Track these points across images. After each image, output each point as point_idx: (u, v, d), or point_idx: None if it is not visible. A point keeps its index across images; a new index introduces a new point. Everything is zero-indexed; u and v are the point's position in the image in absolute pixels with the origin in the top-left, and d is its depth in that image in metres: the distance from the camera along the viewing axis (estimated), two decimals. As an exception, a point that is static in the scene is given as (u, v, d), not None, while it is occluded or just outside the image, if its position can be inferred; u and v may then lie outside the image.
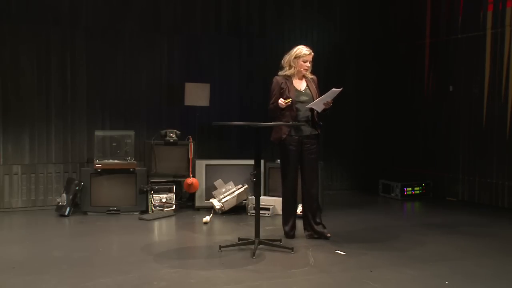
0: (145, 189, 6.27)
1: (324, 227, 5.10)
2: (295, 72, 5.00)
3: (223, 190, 6.31)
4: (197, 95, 6.88)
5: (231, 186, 6.36)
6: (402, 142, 8.24)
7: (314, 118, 4.98)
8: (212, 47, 7.34)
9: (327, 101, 4.85)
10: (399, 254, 4.57)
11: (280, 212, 6.03)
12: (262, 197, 5.54)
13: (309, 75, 5.08)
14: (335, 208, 6.57)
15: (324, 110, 4.92)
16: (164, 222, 5.93)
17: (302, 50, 4.98)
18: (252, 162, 4.74)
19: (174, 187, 6.40)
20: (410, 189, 7.46)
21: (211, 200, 6.27)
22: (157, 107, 7.07)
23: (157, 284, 3.76)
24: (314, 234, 5.06)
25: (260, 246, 4.58)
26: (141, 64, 6.98)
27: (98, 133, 6.52)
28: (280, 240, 4.81)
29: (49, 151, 6.59)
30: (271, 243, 4.67)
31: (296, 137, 4.95)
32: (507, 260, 4.43)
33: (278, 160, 6.52)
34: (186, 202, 6.79)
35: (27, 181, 6.49)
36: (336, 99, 4.91)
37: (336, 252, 4.61)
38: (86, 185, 6.18)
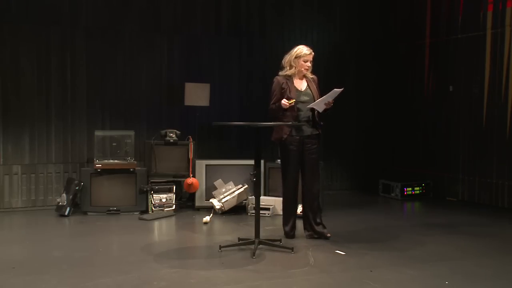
0: (145, 189, 6.27)
1: (324, 227, 5.10)
2: (296, 72, 5.00)
3: (223, 190, 6.32)
4: (197, 95, 6.88)
5: (231, 186, 6.36)
6: (402, 142, 8.24)
7: (315, 118, 4.98)
8: (212, 47, 7.34)
9: (328, 101, 4.85)
10: (399, 254, 4.57)
11: (280, 212, 6.03)
12: (262, 197, 5.54)
13: (310, 75, 5.08)
14: (335, 208, 6.57)
15: (325, 110, 4.92)
16: (164, 222, 5.93)
17: (303, 50, 4.98)
18: (252, 162, 4.74)
19: (174, 187, 6.40)
20: (410, 189, 7.46)
21: (211, 200, 6.27)
22: (157, 107, 7.07)
23: (157, 284, 3.76)
24: (314, 234, 5.06)
25: (260, 246, 4.58)
26: (141, 64, 6.99)
27: (98, 133, 6.52)
28: (280, 240, 4.82)
29: (49, 151, 6.59)
30: (271, 243, 4.67)
31: (297, 137, 4.95)
32: (507, 260, 4.44)
33: (278, 160, 6.55)
34: (186, 202, 6.79)
35: (27, 181, 6.49)
36: (336, 99, 4.91)
37: (336, 252, 4.61)
38: (86, 185, 6.18)
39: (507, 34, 6.67)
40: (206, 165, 6.52)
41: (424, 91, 7.87)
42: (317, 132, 5.03)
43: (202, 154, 7.00)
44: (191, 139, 6.58)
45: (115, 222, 5.85)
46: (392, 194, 7.47)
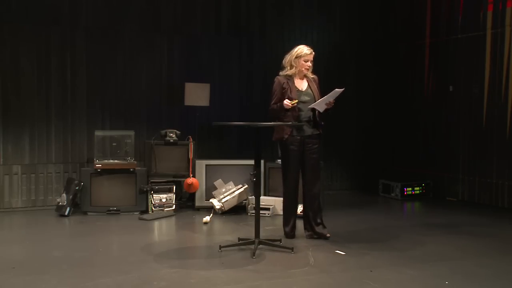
0: (145, 189, 6.27)
1: (324, 227, 5.10)
2: (297, 72, 5.00)
3: (223, 190, 6.32)
4: (197, 95, 6.88)
5: (231, 186, 6.36)
6: (402, 142, 8.24)
7: (316, 118, 4.98)
8: (212, 47, 7.34)
9: (329, 101, 4.85)
10: (399, 254, 4.57)
11: (280, 212, 6.03)
12: (262, 197, 5.54)
13: (311, 75, 5.08)
14: (335, 208, 6.57)
15: (326, 110, 4.92)
16: (164, 222, 5.93)
17: (303, 49, 4.98)
18: (252, 162, 4.74)
19: (174, 187, 6.40)
20: (410, 189, 7.46)
21: (211, 200, 6.27)
22: (157, 107, 7.07)
23: (157, 284, 3.76)
24: (314, 234, 5.06)
25: (260, 246, 4.58)
26: (141, 64, 6.98)
27: (98, 133, 6.52)
28: (280, 240, 4.81)
29: (49, 151, 6.59)
30: (271, 243, 4.67)
31: (298, 137, 4.95)
32: (507, 260, 4.43)
33: (278, 160, 6.55)
34: (186, 202, 6.79)
35: (27, 181, 6.49)
36: (336, 99, 4.91)
37: (336, 252, 4.61)
38: (86, 185, 6.18)
39: (507, 34, 6.67)
40: (206, 165, 6.52)
41: (424, 91, 7.87)
42: (318, 132, 5.03)
43: (202, 154, 7.00)
44: (191, 139, 6.58)
45: (115, 222, 5.85)
46: (392, 194, 7.47)
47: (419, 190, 7.53)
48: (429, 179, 7.65)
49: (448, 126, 7.48)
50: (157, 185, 6.32)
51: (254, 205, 4.80)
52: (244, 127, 6.60)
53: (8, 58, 6.37)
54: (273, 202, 6.26)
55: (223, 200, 6.20)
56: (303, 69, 4.98)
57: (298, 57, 4.97)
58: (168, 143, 6.54)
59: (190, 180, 6.36)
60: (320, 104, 4.86)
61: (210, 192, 6.39)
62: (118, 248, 4.92)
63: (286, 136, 4.93)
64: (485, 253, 4.67)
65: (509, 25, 6.65)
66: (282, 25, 7.74)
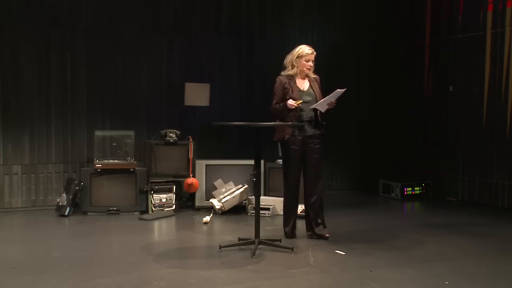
0: (145, 189, 6.27)
1: (325, 227, 5.10)
2: (298, 72, 5.00)
3: (223, 190, 6.32)
4: (197, 95, 6.88)
5: (231, 186, 6.36)
6: (402, 142, 8.24)
7: (318, 118, 4.98)
8: (212, 47, 7.34)
9: (331, 102, 4.85)
10: (399, 254, 4.57)
11: (280, 212, 6.03)
12: (262, 197, 5.53)
13: (312, 75, 5.08)
14: (335, 208, 6.57)
15: (327, 110, 4.92)
16: (164, 222, 5.93)
17: (304, 49, 4.98)
18: (252, 162, 4.74)
19: (174, 187, 6.40)
20: (410, 189, 7.46)
21: (211, 200, 6.27)
22: (157, 107, 7.07)
23: (157, 284, 3.76)
24: (314, 235, 5.06)
25: (260, 246, 4.58)
26: (141, 64, 6.98)
27: (98, 133, 6.52)
28: (280, 240, 4.81)
29: (49, 151, 6.59)
30: (271, 243, 4.67)
31: (300, 137, 4.95)
32: (507, 260, 4.44)
33: (279, 160, 6.55)
34: (186, 202, 6.79)
35: (27, 181, 6.49)
36: (337, 99, 4.91)
37: (336, 252, 4.61)
38: (86, 185, 6.18)
39: (507, 34, 6.67)
40: (206, 165, 6.52)
41: (424, 91, 7.87)
42: (320, 132, 5.03)
43: (202, 154, 7.00)
44: (191, 139, 6.58)
45: (115, 222, 5.85)
46: (392, 194, 7.47)
47: (419, 190, 7.53)
48: (429, 179, 7.65)
49: (448, 126, 7.48)
50: (157, 185, 6.32)
51: (254, 205, 4.80)
52: (244, 127, 6.61)
53: (8, 58, 6.37)
54: (273, 202, 6.26)
55: (223, 200, 6.20)
56: (305, 69, 4.98)
57: (299, 57, 4.97)
58: (168, 143, 6.54)
59: (190, 180, 6.36)
60: (322, 104, 4.87)
61: (210, 192, 6.39)
62: (118, 248, 4.92)
63: (287, 136, 4.93)
64: (485, 253, 4.67)
65: (509, 25, 6.65)
66: (282, 25, 7.74)
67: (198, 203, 6.49)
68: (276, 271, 4.08)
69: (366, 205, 6.98)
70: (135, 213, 6.19)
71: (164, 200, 6.29)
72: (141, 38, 6.97)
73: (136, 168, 6.33)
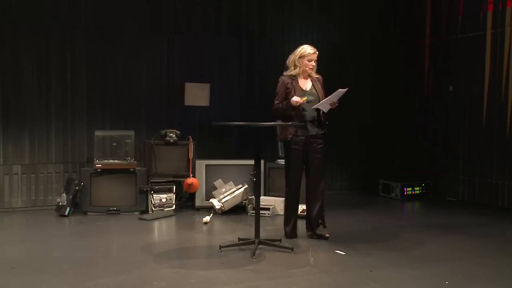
0: (145, 189, 6.27)
1: (325, 227, 5.10)
2: (301, 72, 5.00)
3: (223, 190, 6.32)
4: (197, 95, 6.88)
5: (231, 186, 6.36)
6: (402, 142, 8.24)
7: (321, 118, 4.98)
8: (212, 47, 7.34)
9: (333, 101, 4.85)
10: (399, 254, 4.57)
11: (280, 212, 6.04)
12: (262, 197, 5.54)
13: (315, 75, 5.07)
14: (335, 208, 6.56)
15: (330, 110, 4.92)
16: (164, 222, 5.93)
17: (307, 49, 4.98)
18: (252, 162, 4.74)
19: (174, 187, 6.39)
20: (410, 189, 7.45)
21: (211, 200, 6.27)
22: (157, 107, 7.07)
23: (157, 284, 3.76)
24: (314, 235, 5.06)
25: (260, 246, 4.58)
26: (141, 64, 6.98)
27: (98, 133, 6.52)
28: (280, 240, 4.81)
29: (49, 151, 6.59)
30: (271, 243, 4.67)
31: (302, 137, 4.95)
32: (507, 260, 4.44)
33: (279, 160, 6.55)
34: (186, 202, 6.79)
35: (27, 181, 6.49)
36: (339, 99, 4.91)
37: (336, 252, 4.61)
38: (86, 185, 6.18)
39: (507, 34, 6.67)
40: (206, 165, 6.52)
41: (424, 91, 7.87)
42: (323, 132, 5.03)
43: (202, 154, 7.00)
44: (191, 139, 6.58)
45: (115, 222, 5.85)
46: (392, 194, 7.47)
47: (419, 190, 7.53)
48: (429, 179, 7.65)
49: (448, 126, 7.48)
50: (157, 185, 6.32)
51: (254, 205, 4.80)
52: (244, 127, 6.61)
53: (8, 58, 6.37)
54: (273, 202, 6.26)
55: (223, 200, 6.20)
56: (307, 68, 4.98)
57: (301, 56, 4.97)
58: (168, 143, 6.54)
59: (190, 180, 6.36)
60: (324, 104, 4.87)
61: (210, 192, 6.39)
62: (118, 248, 4.92)
63: (290, 136, 4.93)
64: (485, 253, 4.67)
65: (509, 25, 6.65)
66: (282, 25, 7.74)
67: (198, 203, 6.49)
68: (276, 271, 4.08)
69: (366, 205, 6.98)
70: (135, 213, 6.19)
71: (164, 200, 6.29)
72: (141, 38, 6.97)
73: (136, 168, 6.33)
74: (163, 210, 6.26)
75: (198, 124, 7.13)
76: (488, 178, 6.93)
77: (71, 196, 6.09)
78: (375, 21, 8.32)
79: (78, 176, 6.45)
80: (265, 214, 6.00)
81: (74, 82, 6.67)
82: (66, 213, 6.03)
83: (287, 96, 4.91)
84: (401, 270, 4.11)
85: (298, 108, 4.88)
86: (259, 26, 7.63)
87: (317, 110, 4.95)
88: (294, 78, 4.99)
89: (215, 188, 6.37)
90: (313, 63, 4.99)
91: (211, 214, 6.09)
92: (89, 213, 6.15)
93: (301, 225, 5.21)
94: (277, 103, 4.98)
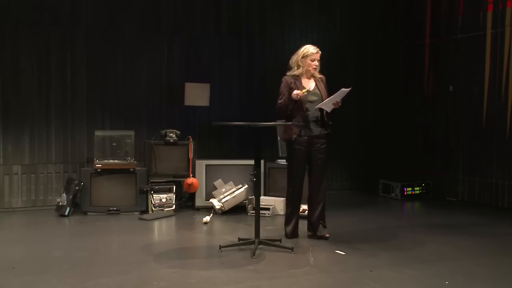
0: (145, 189, 6.27)
1: (325, 227, 5.10)
2: (304, 72, 5.00)
3: (223, 190, 6.32)
4: (197, 95, 6.88)
5: (231, 186, 6.36)
6: (402, 142, 8.24)
7: (324, 117, 4.98)
8: (212, 47, 7.34)
9: (336, 101, 4.85)
10: (399, 254, 4.57)
11: (280, 212, 6.05)
12: (262, 197, 5.54)
13: (318, 75, 5.07)
14: (335, 208, 6.56)
15: (333, 110, 4.92)
16: (164, 222, 5.93)
17: (309, 49, 4.98)
18: (252, 162, 4.74)
19: (174, 187, 6.39)
20: (410, 189, 7.46)
21: (211, 200, 6.27)
22: (157, 107, 7.07)
23: (157, 284, 3.76)
24: (314, 235, 5.06)
25: (260, 246, 4.58)
26: (141, 64, 6.99)
27: (98, 133, 6.52)
28: (280, 240, 4.81)
29: (49, 151, 6.59)
30: (271, 243, 4.67)
31: (306, 137, 4.95)
32: (507, 260, 4.44)
33: (279, 160, 6.56)
34: (186, 202, 6.78)
35: (27, 181, 6.49)
36: (342, 99, 4.90)
37: (336, 252, 4.61)
38: (86, 185, 6.18)
39: (507, 34, 6.67)
40: (206, 165, 6.52)
41: (424, 91, 7.87)
42: (326, 132, 5.03)
43: (202, 154, 7.00)
44: (191, 139, 6.58)
45: (115, 222, 5.85)
46: (392, 194, 7.47)
47: (419, 190, 7.53)
48: (429, 179, 7.65)
49: (448, 126, 7.48)
50: (157, 185, 6.32)
51: (254, 205, 4.80)
52: (244, 127, 6.61)
53: (8, 58, 6.37)
54: (273, 202, 6.26)
55: (223, 200, 6.20)
56: (310, 68, 4.98)
57: (304, 56, 4.97)
58: (168, 143, 6.54)
59: (190, 180, 6.36)
60: (327, 104, 4.86)
61: (210, 192, 6.39)
62: (118, 248, 4.92)
63: (294, 136, 4.92)
64: (485, 253, 4.67)
65: (509, 25, 6.65)
66: (282, 25, 7.74)
67: (198, 203, 6.49)
68: (276, 271, 4.08)
69: (366, 205, 6.98)
70: (135, 213, 6.19)
71: (164, 200, 6.29)
72: (141, 38, 6.97)
73: (136, 168, 6.33)
74: (163, 210, 6.26)
75: (198, 124, 7.13)
76: (488, 178, 6.93)
77: (71, 196, 6.09)
78: (375, 21, 8.32)
79: (78, 176, 6.45)
80: (265, 214, 6.00)
81: (74, 82, 6.67)
82: (66, 213, 6.03)
83: (291, 96, 4.90)
84: (401, 270, 4.11)
85: (302, 108, 4.87)
86: (259, 26, 7.63)
87: (321, 110, 4.95)
88: (297, 78, 4.98)
89: (215, 188, 6.37)
90: (316, 62, 4.99)
91: (211, 214, 6.09)
92: (89, 213, 6.15)
93: (301, 225, 5.20)
94: (279, 102, 4.97)
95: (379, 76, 8.34)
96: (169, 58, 7.12)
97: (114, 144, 6.52)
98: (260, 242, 4.59)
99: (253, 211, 4.89)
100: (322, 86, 5.04)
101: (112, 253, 4.74)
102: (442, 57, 7.58)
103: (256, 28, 7.61)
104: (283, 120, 5.05)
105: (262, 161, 5.38)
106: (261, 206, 4.91)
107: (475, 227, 5.66)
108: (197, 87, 6.91)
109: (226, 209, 6.19)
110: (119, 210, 6.18)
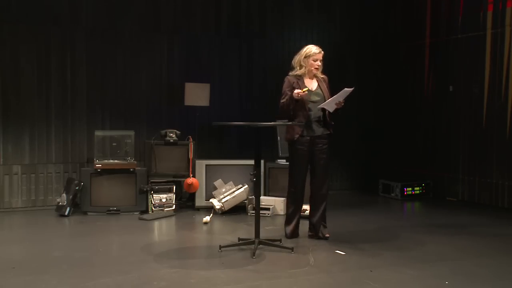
0: (145, 189, 6.27)
1: (325, 227, 5.10)
2: (306, 72, 4.99)
3: (223, 190, 6.32)
4: (197, 95, 6.88)
5: (231, 186, 6.36)
6: (402, 142, 8.24)
7: (326, 118, 4.98)
8: (212, 47, 7.34)
9: (339, 101, 4.85)
10: (399, 254, 4.57)
11: (280, 212, 6.05)
12: (262, 197, 5.54)
13: (320, 75, 5.07)
14: (335, 208, 6.55)
15: (335, 110, 4.92)
16: (164, 222, 5.93)
17: (312, 49, 4.98)
18: (252, 162, 4.74)
19: (174, 187, 6.39)
20: (410, 189, 7.45)
21: (211, 200, 6.27)
22: (157, 107, 7.07)
23: (157, 284, 3.76)
24: (315, 236, 5.06)
25: (260, 246, 4.58)
26: (141, 64, 6.99)
27: (98, 133, 6.52)
28: (280, 240, 4.81)
29: (49, 151, 6.59)
30: (271, 243, 4.67)
31: (308, 138, 4.94)
32: (507, 260, 4.44)
33: (279, 160, 6.56)
34: (186, 202, 6.78)
35: (27, 181, 6.49)
36: (344, 98, 4.90)
37: (336, 252, 4.61)
38: (86, 185, 6.18)
39: (507, 34, 6.67)
40: (206, 165, 6.52)
41: (424, 91, 7.87)
42: (328, 132, 5.03)
43: (202, 154, 7.00)
44: (191, 139, 6.58)
45: (115, 222, 5.85)
46: (392, 194, 7.47)
47: (419, 190, 7.53)
48: (429, 179, 7.65)
49: (448, 126, 7.48)
50: (157, 185, 6.32)
51: (254, 205, 4.80)
52: (244, 127, 6.61)
53: (8, 58, 6.37)
54: (273, 202, 6.26)
55: (223, 200, 6.19)
56: (313, 68, 4.98)
57: (307, 56, 4.97)
58: (168, 143, 6.54)
59: (190, 180, 6.36)
60: (330, 104, 4.86)
61: (210, 192, 6.39)
62: (118, 248, 4.92)
63: (296, 136, 4.92)
64: (485, 253, 4.67)
65: (509, 25, 6.65)
66: (282, 25, 7.74)
67: (198, 203, 6.49)
68: (276, 271, 4.08)
69: (366, 205, 6.98)
70: (135, 213, 6.19)
71: (164, 200, 6.29)
72: (141, 38, 6.97)
73: (136, 168, 6.33)
74: (163, 210, 6.26)
75: (198, 124, 7.13)
76: (488, 178, 6.93)
77: (71, 196, 6.09)
78: (375, 21, 8.32)
79: (78, 176, 6.45)
80: (265, 214, 6.00)
81: (74, 82, 6.67)
82: (66, 213, 6.03)
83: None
84: (401, 270, 4.11)
85: (304, 108, 4.87)
86: (259, 26, 7.63)
87: (323, 110, 4.95)
88: (300, 78, 4.98)
89: (215, 188, 6.37)
90: (318, 62, 4.99)
91: (211, 214, 6.09)
92: (89, 213, 6.15)
93: (301, 224, 5.20)
94: (282, 101, 4.97)
95: (379, 76, 8.34)
96: (169, 58, 7.12)
97: (114, 144, 6.52)
98: (260, 242, 4.59)
99: (253, 211, 4.89)
100: (324, 86, 5.04)
101: (112, 253, 4.74)
102: (442, 57, 7.58)
103: (256, 28, 7.61)
104: (284, 120, 5.05)
105: (262, 161, 5.37)
106: (261, 206, 4.91)
107: (475, 227, 5.66)
108: (197, 87, 6.91)
109: (226, 209, 6.19)
110: (119, 210, 6.18)
